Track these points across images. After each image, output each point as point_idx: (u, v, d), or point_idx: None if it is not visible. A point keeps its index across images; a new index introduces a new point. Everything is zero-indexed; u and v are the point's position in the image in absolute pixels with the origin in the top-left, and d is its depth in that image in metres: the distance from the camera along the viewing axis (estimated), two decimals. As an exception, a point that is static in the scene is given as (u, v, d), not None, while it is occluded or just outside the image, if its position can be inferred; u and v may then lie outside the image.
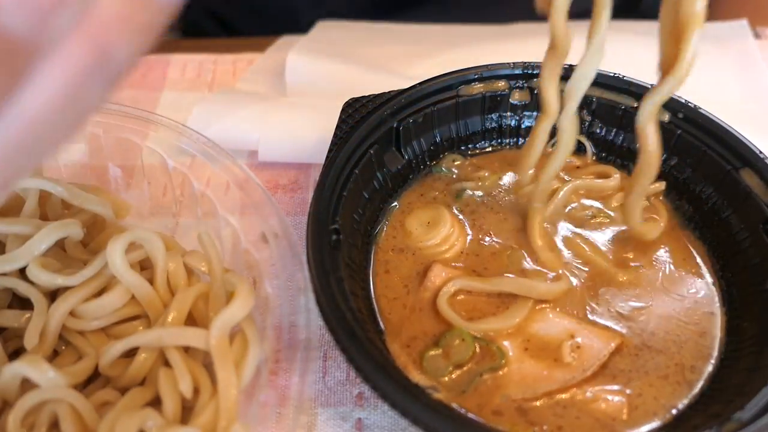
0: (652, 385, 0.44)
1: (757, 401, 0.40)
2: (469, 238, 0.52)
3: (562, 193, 0.53)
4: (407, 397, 0.38)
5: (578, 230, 0.53)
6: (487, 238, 0.52)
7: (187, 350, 0.44)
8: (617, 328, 0.47)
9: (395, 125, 0.53)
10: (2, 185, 0.22)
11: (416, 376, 0.44)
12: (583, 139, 0.58)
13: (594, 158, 0.58)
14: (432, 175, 0.57)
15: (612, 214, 0.54)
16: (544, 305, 0.47)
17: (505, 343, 0.46)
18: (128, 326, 0.46)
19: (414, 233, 0.52)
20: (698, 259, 0.52)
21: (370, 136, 0.51)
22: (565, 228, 0.53)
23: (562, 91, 0.46)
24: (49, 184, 0.48)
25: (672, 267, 0.51)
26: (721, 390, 0.44)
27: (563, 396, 0.44)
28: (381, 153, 0.53)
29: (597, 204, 0.54)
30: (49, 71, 0.20)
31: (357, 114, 0.52)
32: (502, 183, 0.56)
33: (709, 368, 0.46)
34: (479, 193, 0.55)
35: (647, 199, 0.54)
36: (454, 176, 0.56)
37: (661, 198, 0.55)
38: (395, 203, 0.54)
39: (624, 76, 0.55)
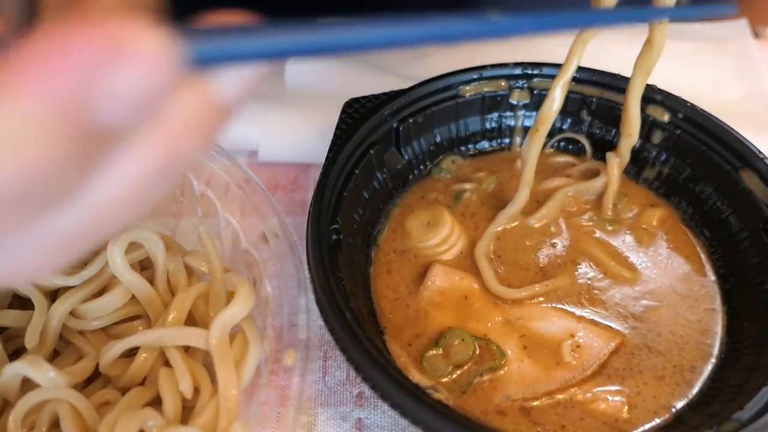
0: (647, 383, 0.45)
1: (756, 401, 0.40)
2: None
3: (553, 201, 0.53)
4: (407, 397, 0.38)
5: (578, 232, 0.53)
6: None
7: (187, 350, 0.44)
8: (618, 327, 0.47)
9: (395, 125, 0.53)
10: (67, 259, 0.23)
11: (416, 376, 0.44)
12: (583, 139, 0.58)
13: (592, 159, 0.58)
14: (432, 177, 0.57)
15: (609, 214, 0.54)
16: (545, 302, 0.48)
17: (505, 342, 0.46)
18: (128, 326, 0.46)
19: (414, 233, 0.52)
20: (702, 258, 0.52)
21: (370, 136, 0.51)
22: (566, 230, 0.53)
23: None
24: (50, 184, 0.48)
25: (675, 264, 0.51)
26: (720, 390, 0.44)
27: (564, 396, 0.44)
28: (381, 153, 0.53)
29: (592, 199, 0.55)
30: (125, 166, 0.21)
31: (357, 114, 0.52)
32: (501, 183, 0.56)
33: (709, 368, 0.46)
34: (478, 194, 0.55)
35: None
36: (454, 178, 0.56)
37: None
38: (395, 203, 0.54)
39: (624, 76, 0.55)
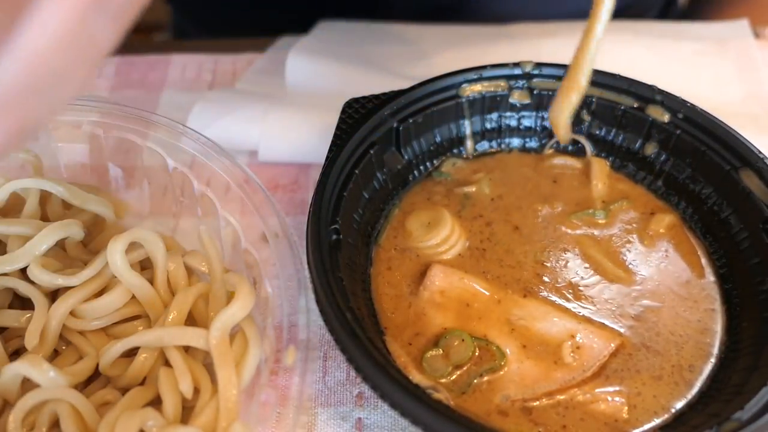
0: (645, 383, 0.45)
1: (756, 401, 0.40)
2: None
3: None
4: (407, 397, 0.38)
5: (577, 233, 0.53)
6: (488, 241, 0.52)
7: (187, 350, 0.44)
8: (617, 327, 0.47)
9: (395, 125, 0.53)
10: (16, 131, 0.21)
11: (416, 376, 0.44)
12: (583, 140, 0.58)
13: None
14: (433, 179, 0.56)
15: (605, 213, 0.54)
16: (547, 303, 0.48)
17: (505, 342, 0.46)
18: (128, 326, 0.46)
19: (414, 233, 0.52)
20: (702, 259, 0.52)
21: (370, 136, 0.51)
22: (565, 231, 0.53)
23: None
24: (50, 184, 0.48)
25: (674, 265, 0.51)
26: (720, 389, 0.44)
27: (564, 396, 0.44)
28: (381, 153, 0.53)
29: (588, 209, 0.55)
30: (48, 6, 0.19)
31: (357, 114, 0.52)
32: (500, 185, 0.56)
33: (709, 368, 0.46)
34: (477, 195, 0.55)
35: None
36: (455, 180, 0.56)
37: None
38: (395, 203, 0.54)
39: (624, 76, 0.55)
